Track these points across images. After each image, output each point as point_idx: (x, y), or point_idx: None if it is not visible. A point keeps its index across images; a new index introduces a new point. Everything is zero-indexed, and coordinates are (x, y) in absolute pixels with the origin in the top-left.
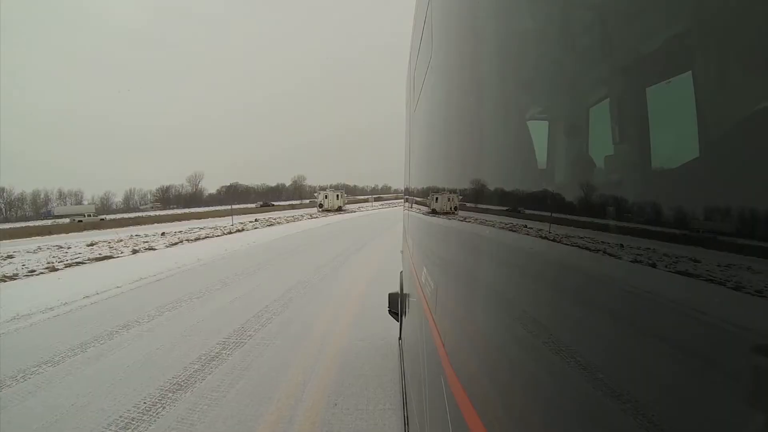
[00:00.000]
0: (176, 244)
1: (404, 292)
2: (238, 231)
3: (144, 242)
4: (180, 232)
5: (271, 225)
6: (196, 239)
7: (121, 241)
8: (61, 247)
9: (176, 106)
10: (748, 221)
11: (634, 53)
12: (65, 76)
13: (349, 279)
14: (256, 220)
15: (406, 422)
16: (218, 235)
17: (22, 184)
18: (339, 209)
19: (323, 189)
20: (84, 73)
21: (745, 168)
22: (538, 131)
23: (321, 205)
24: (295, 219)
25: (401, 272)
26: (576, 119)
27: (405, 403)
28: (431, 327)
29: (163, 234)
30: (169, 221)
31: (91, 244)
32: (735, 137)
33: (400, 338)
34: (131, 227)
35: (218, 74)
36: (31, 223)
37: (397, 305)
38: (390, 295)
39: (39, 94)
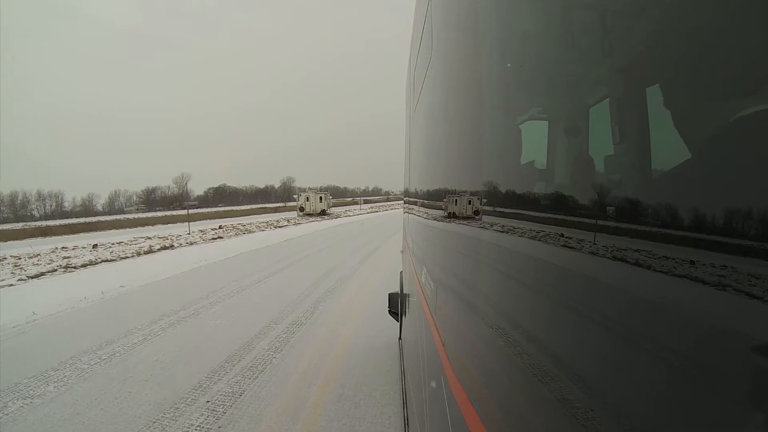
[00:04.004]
0: (38, 276)
1: (404, 292)
2: (164, 248)
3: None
4: (118, 243)
5: (218, 238)
6: (88, 264)
7: (37, 256)
8: None
9: (168, 106)
10: (747, 221)
11: (634, 53)
12: (47, 71)
13: None
14: (220, 227)
15: (406, 422)
16: (131, 256)
17: None
18: (322, 213)
19: (305, 190)
20: (69, 69)
21: (744, 168)
22: (538, 131)
23: (302, 209)
24: (266, 226)
25: (401, 272)
26: (576, 119)
27: (405, 403)
28: (431, 327)
29: (94, 246)
30: (131, 227)
31: None
32: (734, 137)
33: (400, 338)
34: (86, 233)
35: (210, 73)
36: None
37: (397, 305)
38: (390, 295)
39: (21, 89)
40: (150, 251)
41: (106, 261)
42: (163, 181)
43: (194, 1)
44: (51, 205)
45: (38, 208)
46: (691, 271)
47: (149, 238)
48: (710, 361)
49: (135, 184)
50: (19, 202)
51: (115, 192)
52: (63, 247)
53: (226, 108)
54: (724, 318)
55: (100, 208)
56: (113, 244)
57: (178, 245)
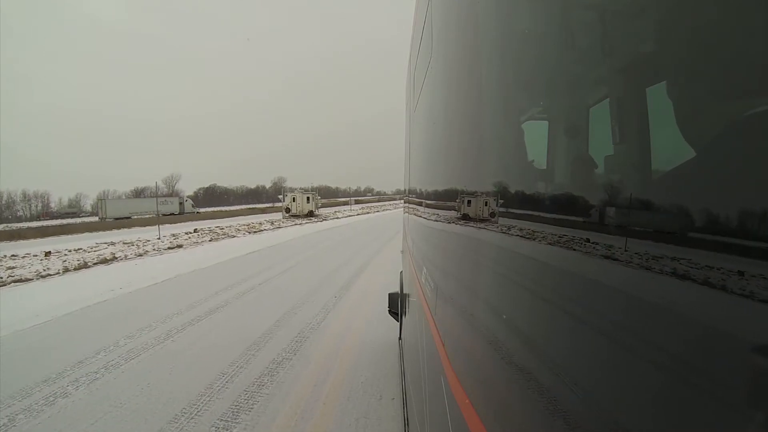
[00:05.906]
0: None
1: (404, 292)
2: (104, 261)
3: None
4: (76, 250)
5: (178, 247)
6: None
7: None
8: None
9: (167, 106)
10: (746, 221)
11: (634, 53)
12: (44, 70)
13: None
14: (195, 231)
15: (406, 422)
16: (56, 273)
17: None
18: (310, 214)
19: (293, 190)
20: (67, 68)
21: (745, 168)
22: (538, 131)
23: (288, 210)
24: (245, 229)
25: (401, 272)
26: (576, 119)
27: (405, 403)
28: (431, 327)
29: (47, 254)
30: (107, 229)
31: None
32: (734, 137)
33: (400, 338)
34: (55, 237)
35: (209, 72)
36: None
37: (397, 305)
38: (390, 295)
39: (19, 88)
40: (84, 266)
41: (20, 281)
42: (154, 181)
43: (192, 1)
44: (37, 206)
45: (24, 209)
46: (692, 272)
47: (112, 243)
48: (712, 361)
49: (134, 184)
50: (3, 203)
51: (104, 192)
52: (13, 255)
53: (221, 107)
54: (725, 318)
55: (89, 208)
56: (71, 251)
57: (123, 256)
